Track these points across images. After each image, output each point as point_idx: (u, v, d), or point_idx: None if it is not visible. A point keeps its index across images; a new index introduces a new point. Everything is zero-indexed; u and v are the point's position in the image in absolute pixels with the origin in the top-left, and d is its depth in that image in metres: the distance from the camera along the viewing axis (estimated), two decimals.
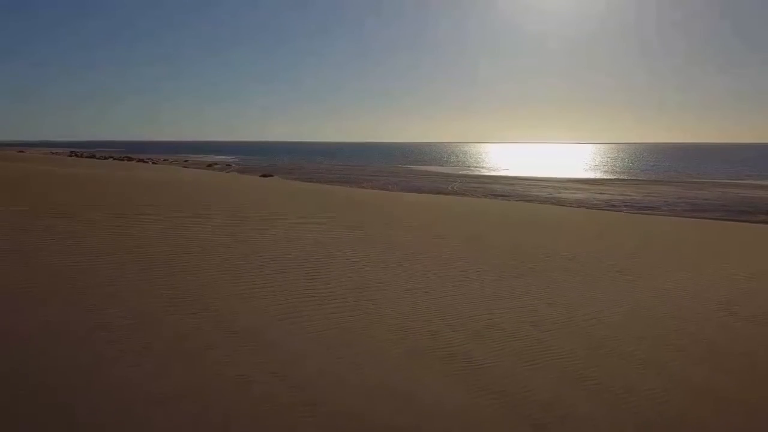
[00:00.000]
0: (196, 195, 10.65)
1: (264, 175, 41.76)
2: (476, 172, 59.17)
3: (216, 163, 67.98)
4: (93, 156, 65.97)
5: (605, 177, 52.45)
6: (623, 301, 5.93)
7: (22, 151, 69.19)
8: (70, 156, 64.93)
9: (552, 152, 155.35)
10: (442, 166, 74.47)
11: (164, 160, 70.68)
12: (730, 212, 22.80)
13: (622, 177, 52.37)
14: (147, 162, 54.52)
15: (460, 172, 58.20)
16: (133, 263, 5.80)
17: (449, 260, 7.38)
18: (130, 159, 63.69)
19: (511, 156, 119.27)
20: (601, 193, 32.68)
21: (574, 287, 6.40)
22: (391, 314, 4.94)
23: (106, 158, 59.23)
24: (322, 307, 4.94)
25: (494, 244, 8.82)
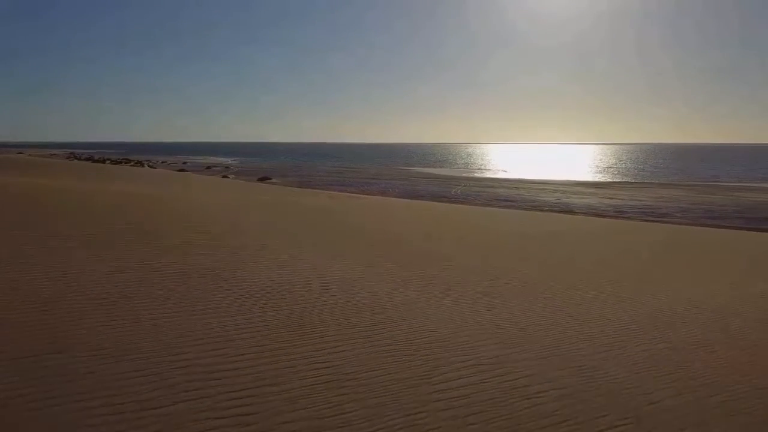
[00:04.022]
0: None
1: (261, 179, 40.77)
2: (479, 175, 58.05)
3: (215, 165, 67.09)
4: (91, 158, 65.04)
5: (613, 180, 51.25)
6: None
7: (21, 153, 68.38)
8: (68, 158, 63.97)
9: (554, 153, 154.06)
10: (443, 168, 73.41)
11: (162, 162, 69.75)
12: (750, 220, 21.56)
13: (629, 180, 51.15)
14: (143, 165, 53.60)
15: (463, 175, 57.06)
16: None
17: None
18: (128, 161, 62.70)
19: (513, 157, 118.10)
20: (610, 198, 31.44)
21: None
22: None
23: (104, 161, 58.22)
24: None
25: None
